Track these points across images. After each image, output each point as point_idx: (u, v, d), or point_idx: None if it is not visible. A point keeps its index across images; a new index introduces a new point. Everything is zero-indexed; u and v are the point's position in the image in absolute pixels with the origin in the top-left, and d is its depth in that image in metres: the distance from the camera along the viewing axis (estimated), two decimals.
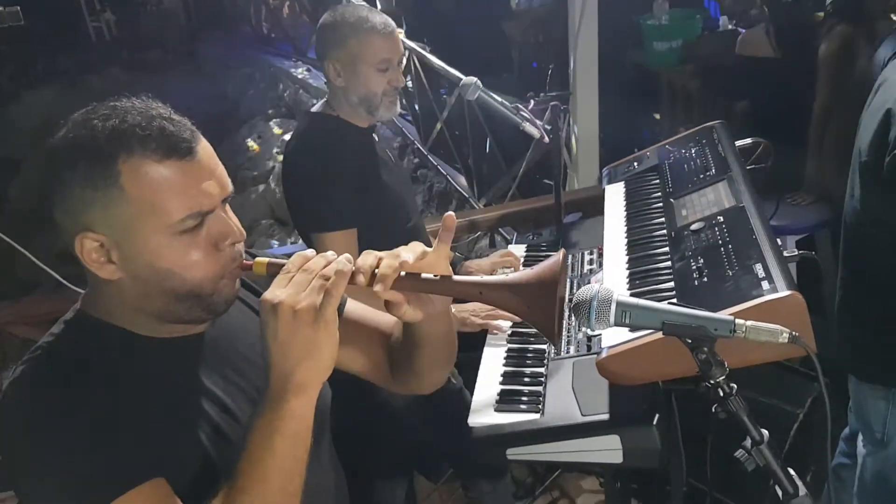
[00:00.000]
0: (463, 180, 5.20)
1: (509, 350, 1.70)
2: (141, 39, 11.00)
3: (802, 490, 0.91)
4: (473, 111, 4.51)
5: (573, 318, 1.57)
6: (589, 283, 1.80)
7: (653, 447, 1.34)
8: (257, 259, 0.91)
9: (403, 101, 5.85)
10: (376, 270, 0.85)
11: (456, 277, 0.88)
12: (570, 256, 2.02)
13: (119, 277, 0.87)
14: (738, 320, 0.89)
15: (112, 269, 0.87)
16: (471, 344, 1.70)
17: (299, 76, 8.35)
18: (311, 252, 0.87)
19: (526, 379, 1.58)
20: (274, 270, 0.87)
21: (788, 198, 3.00)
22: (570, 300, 0.94)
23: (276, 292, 0.83)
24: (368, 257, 0.86)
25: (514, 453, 1.43)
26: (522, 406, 1.50)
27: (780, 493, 0.91)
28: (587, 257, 1.98)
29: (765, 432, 0.92)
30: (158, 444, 0.85)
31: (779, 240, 2.78)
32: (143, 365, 0.91)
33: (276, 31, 9.80)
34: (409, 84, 5.57)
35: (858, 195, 1.63)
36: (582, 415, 1.41)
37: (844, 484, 1.89)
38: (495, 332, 1.76)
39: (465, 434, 1.45)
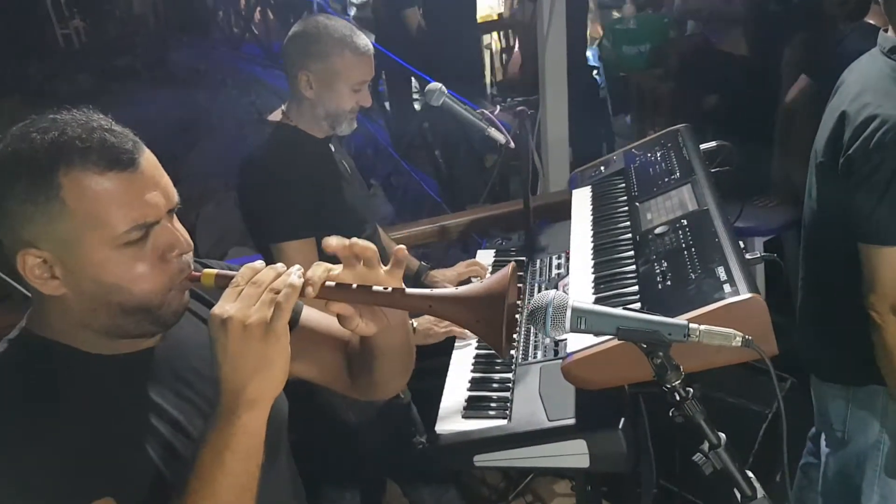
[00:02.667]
0: (436, 186, 5.19)
1: (477, 356, 1.69)
2: (111, 46, 10.83)
3: (760, 492, 0.91)
4: (446, 117, 4.49)
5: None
6: (557, 287, 1.80)
7: (619, 451, 1.35)
8: (206, 270, 0.89)
9: (374, 104, 5.83)
10: (324, 279, 0.84)
11: (407, 290, 0.87)
12: (538, 261, 2.02)
13: (63, 293, 0.85)
14: (691, 325, 0.89)
15: (56, 285, 0.85)
16: (436, 351, 1.69)
17: (270, 82, 8.28)
18: (259, 264, 0.86)
19: (494, 385, 1.58)
20: (223, 282, 0.86)
21: (756, 199, 3.03)
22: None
23: (224, 307, 0.81)
24: (318, 269, 0.85)
25: (482, 460, 1.43)
26: (491, 412, 1.49)
27: (738, 495, 0.92)
28: (555, 261, 1.99)
29: (722, 436, 0.92)
30: (106, 463, 0.83)
31: (747, 241, 2.81)
32: (90, 383, 0.88)
33: (248, 36, 9.73)
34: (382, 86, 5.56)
35: (815, 195, 1.65)
36: (548, 420, 1.41)
37: (812, 482, 1.91)
38: (462, 337, 1.75)
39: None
